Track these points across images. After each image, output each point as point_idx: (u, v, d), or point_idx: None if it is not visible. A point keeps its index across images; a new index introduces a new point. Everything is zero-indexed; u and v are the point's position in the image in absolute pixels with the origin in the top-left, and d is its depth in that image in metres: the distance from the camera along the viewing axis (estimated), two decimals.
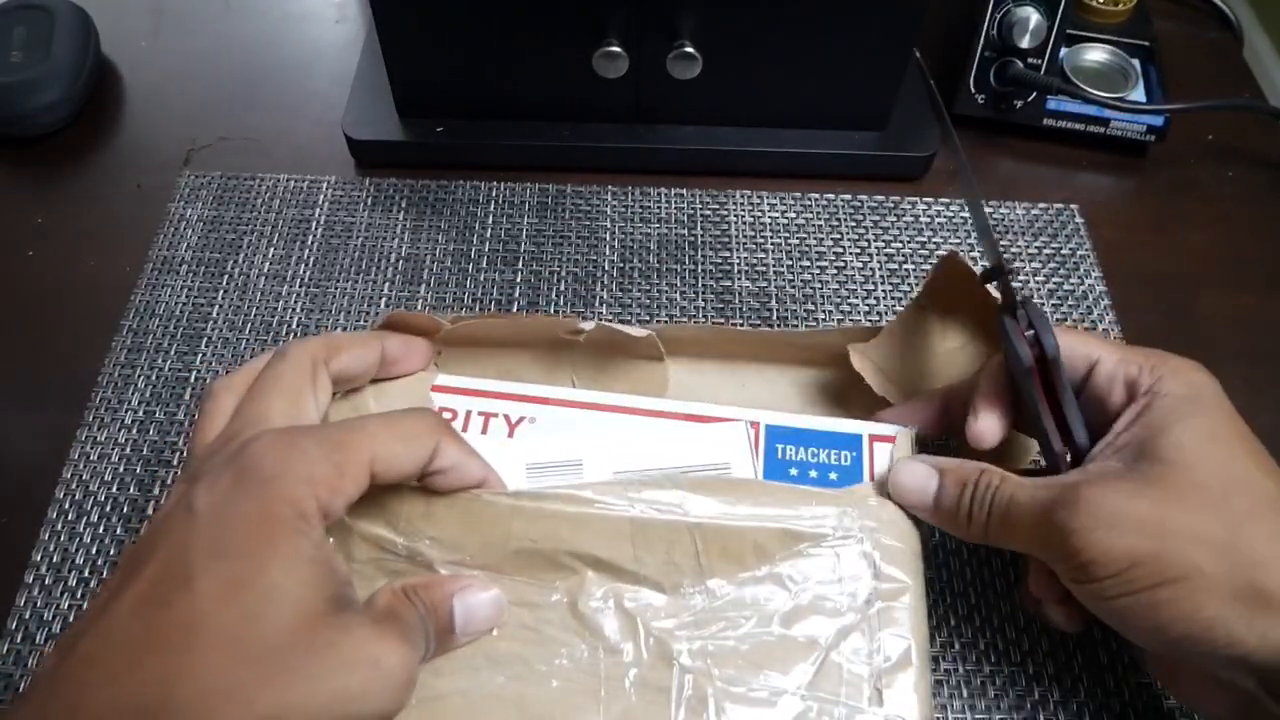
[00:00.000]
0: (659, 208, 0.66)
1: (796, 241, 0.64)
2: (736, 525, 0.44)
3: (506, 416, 0.51)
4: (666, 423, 0.51)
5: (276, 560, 0.35)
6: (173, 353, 0.58)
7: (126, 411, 0.56)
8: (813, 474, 0.48)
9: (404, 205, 0.66)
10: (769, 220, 0.65)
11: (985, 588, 0.51)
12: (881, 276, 0.62)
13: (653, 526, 0.44)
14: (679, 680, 0.42)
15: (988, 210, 0.66)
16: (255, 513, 0.36)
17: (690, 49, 0.61)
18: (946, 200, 0.67)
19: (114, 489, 0.53)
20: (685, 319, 0.60)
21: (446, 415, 0.50)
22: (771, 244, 0.64)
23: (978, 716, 0.47)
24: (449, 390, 0.51)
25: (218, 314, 0.60)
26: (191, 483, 0.37)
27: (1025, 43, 0.66)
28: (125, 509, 0.52)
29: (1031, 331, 0.43)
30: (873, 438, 0.49)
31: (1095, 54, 0.73)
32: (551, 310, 0.61)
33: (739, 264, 0.63)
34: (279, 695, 0.33)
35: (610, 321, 0.52)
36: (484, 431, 0.50)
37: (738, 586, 0.44)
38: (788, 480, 0.48)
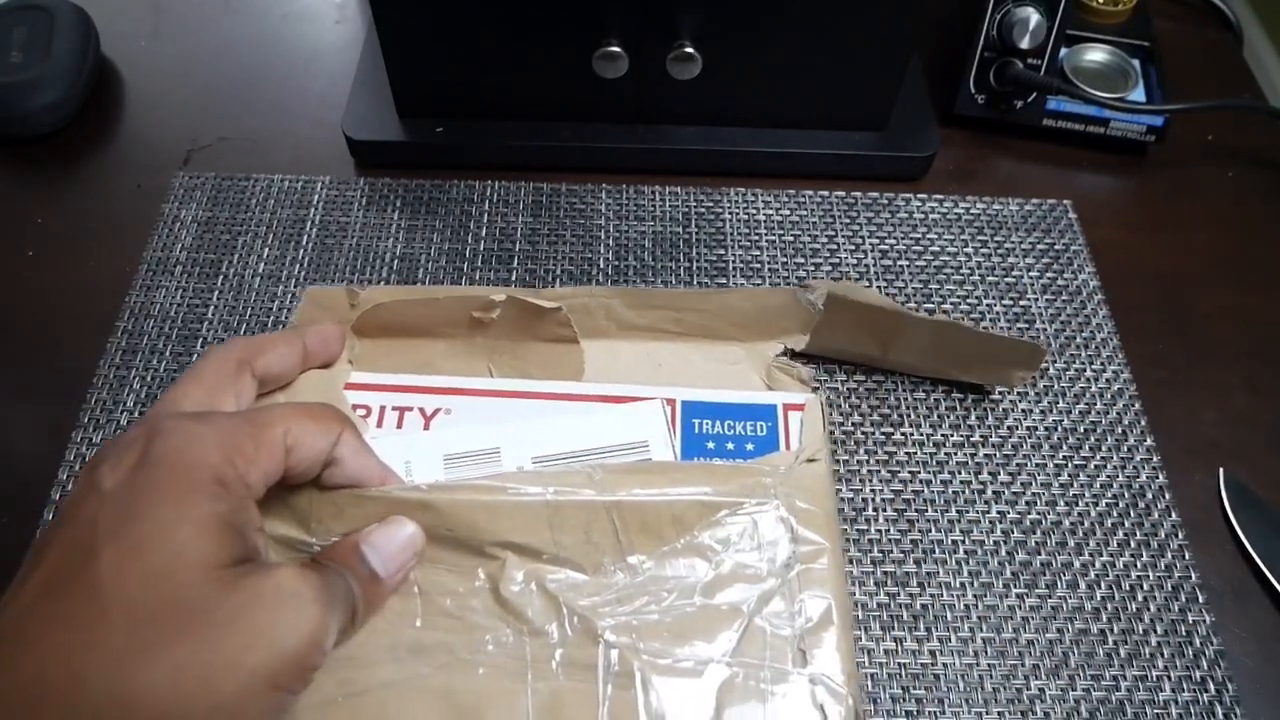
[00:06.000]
0: (654, 206, 0.66)
1: (791, 239, 0.64)
2: (654, 501, 0.45)
3: (421, 409, 0.52)
4: (583, 405, 0.52)
5: (185, 521, 0.35)
6: (168, 353, 0.58)
7: (122, 412, 0.56)
8: (730, 446, 0.50)
9: (399, 205, 0.66)
10: (764, 218, 0.65)
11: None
12: (876, 273, 0.62)
13: (569, 508, 0.44)
14: (605, 657, 0.42)
15: (980, 206, 0.66)
16: (164, 480, 0.36)
17: (690, 49, 0.61)
18: (941, 197, 0.67)
19: None
20: None
21: (360, 413, 0.51)
22: (766, 241, 0.64)
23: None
24: (362, 387, 0.52)
25: (213, 314, 0.60)
26: (94, 467, 0.37)
27: (1025, 43, 0.66)
28: None
29: None
30: (787, 406, 0.51)
31: (1095, 54, 0.72)
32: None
33: (734, 261, 0.63)
34: (196, 646, 0.33)
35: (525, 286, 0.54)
36: (399, 426, 0.51)
37: (658, 560, 0.45)
38: (705, 454, 0.50)
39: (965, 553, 0.51)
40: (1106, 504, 0.53)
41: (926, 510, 0.53)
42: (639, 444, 0.50)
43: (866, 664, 0.48)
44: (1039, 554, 0.51)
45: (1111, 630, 0.49)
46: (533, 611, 0.43)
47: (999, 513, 0.53)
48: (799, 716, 0.41)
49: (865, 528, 0.52)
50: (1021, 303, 0.61)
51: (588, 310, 0.55)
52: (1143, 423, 0.56)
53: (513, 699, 0.41)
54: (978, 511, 0.53)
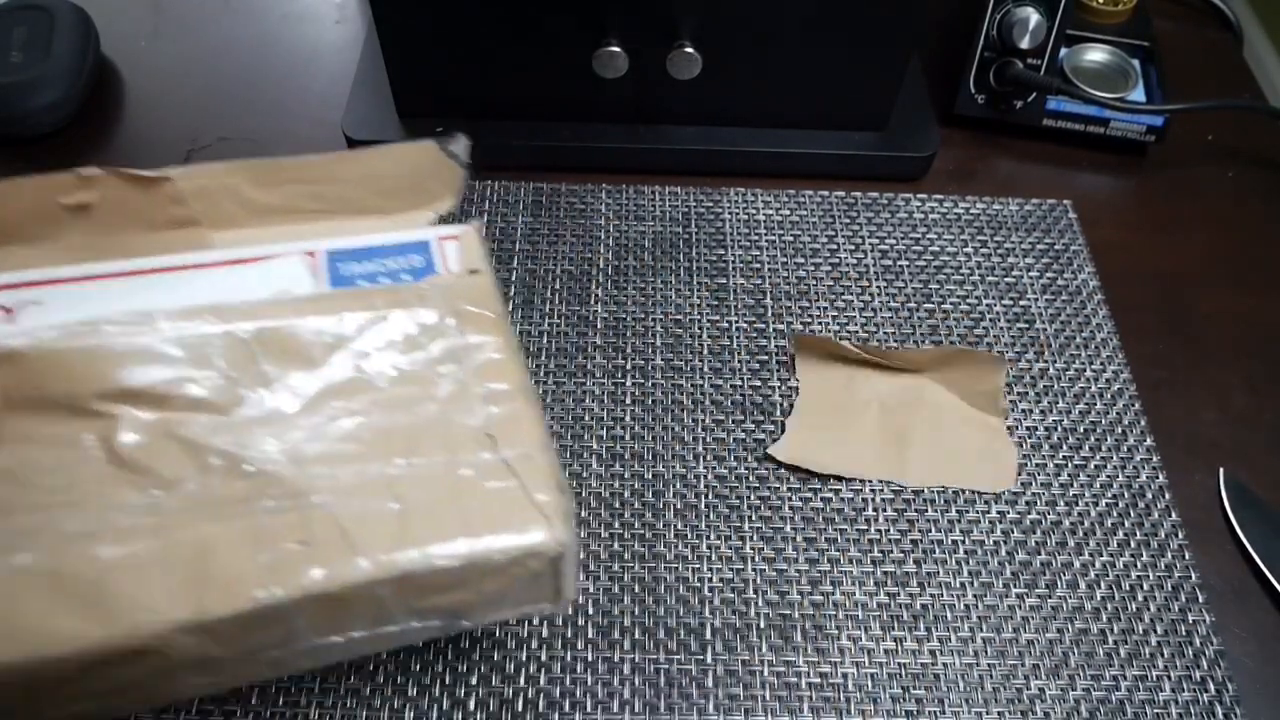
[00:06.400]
0: (654, 206, 0.66)
1: (791, 239, 0.64)
2: (299, 324, 0.41)
3: (2, 307, 0.42)
4: (208, 272, 0.44)
5: None
6: None
7: None
8: (385, 282, 0.45)
9: None
10: (763, 218, 0.65)
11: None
12: (876, 273, 0.62)
13: (197, 344, 0.39)
14: (259, 490, 0.37)
15: (980, 206, 0.66)
16: None
17: (690, 49, 0.61)
18: (941, 196, 0.67)
19: None
20: (680, 315, 0.60)
21: None
22: (766, 241, 0.64)
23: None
24: None
25: None
26: None
27: (1025, 43, 0.66)
28: None
29: None
30: (441, 239, 0.47)
31: (1095, 54, 0.72)
32: (546, 308, 0.60)
33: (733, 261, 0.63)
34: None
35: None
36: None
37: (313, 381, 0.40)
38: None
39: (965, 553, 0.51)
40: (1106, 504, 0.53)
41: (926, 510, 0.53)
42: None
43: (866, 664, 0.48)
44: (1039, 554, 0.51)
45: (1111, 630, 0.49)
46: (162, 464, 0.37)
47: (999, 513, 0.53)
48: (499, 491, 0.38)
49: (865, 528, 0.52)
50: (1021, 303, 0.61)
51: (208, 194, 0.48)
52: (1143, 423, 0.56)
53: (146, 561, 0.35)
54: (978, 511, 0.53)
